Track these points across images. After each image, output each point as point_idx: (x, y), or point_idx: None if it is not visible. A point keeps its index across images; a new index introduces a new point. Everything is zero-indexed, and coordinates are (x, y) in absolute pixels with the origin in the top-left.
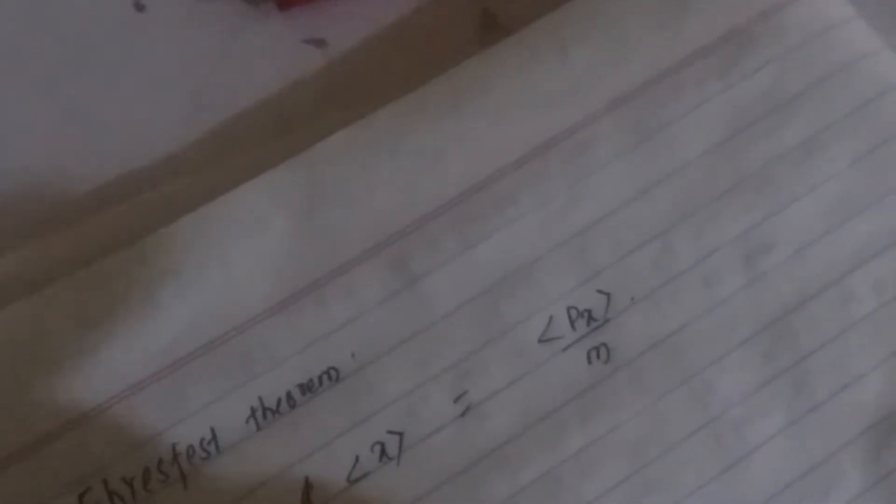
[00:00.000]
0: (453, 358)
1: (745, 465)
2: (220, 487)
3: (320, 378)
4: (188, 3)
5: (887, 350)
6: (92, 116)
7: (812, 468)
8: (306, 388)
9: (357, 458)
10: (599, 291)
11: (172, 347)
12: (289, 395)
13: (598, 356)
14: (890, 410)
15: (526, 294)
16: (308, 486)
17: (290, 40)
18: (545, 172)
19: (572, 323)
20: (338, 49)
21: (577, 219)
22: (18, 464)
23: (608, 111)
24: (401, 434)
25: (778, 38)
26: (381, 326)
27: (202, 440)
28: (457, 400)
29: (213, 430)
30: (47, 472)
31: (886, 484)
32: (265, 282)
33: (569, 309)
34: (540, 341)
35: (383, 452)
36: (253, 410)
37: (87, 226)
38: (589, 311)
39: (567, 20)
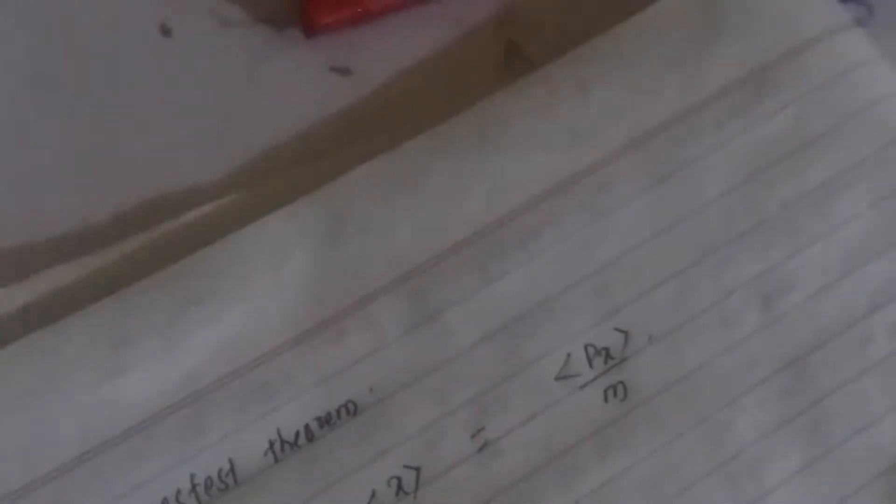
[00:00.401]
0: (471, 393)
1: None
2: None
3: (339, 411)
4: (214, 28)
5: None
6: (116, 142)
7: None
8: (324, 421)
9: (374, 493)
10: (617, 329)
11: (192, 377)
12: (307, 428)
13: (615, 394)
14: None
15: (544, 331)
16: None
17: (316, 68)
18: (565, 210)
19: (590, 361)
20: (363, 77)
21: (597, 256)
22: (36, 492)
23: (629, 150)
24: (418, 469)
25: (799, 79)
26: (401, 361)
27: (220, 471)
28: (474, 436)
29: (231, 462)
30: (65, 502)
31: None
32: (286, 313)
33: (586, 346)
34: (557, 378)
35: (400, 487)
36: (271, 443)
37: (110, 254)
38: (607, 349)
39: (590, 58)
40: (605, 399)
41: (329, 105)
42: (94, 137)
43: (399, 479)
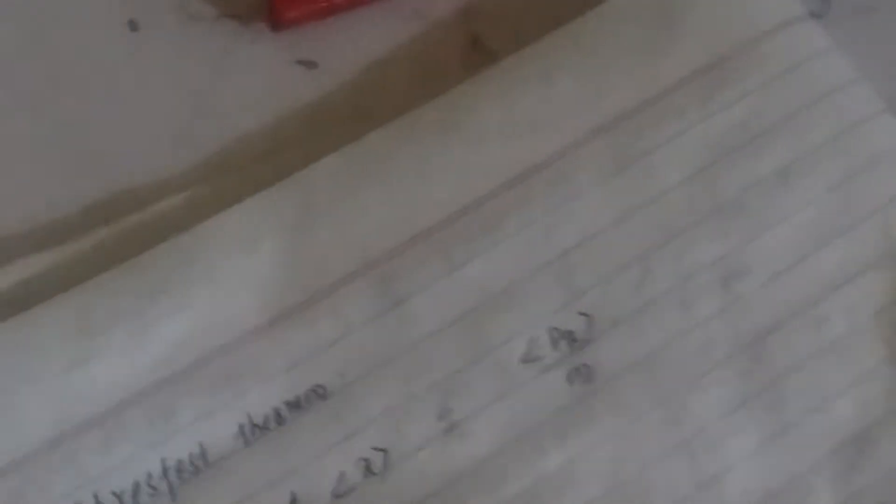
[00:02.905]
0: (438, 377)
1: (718, 485)
2: (209, 501)
3: (307, 395)
4: (181, 22)
5: (857, 373)
6: (83, 135)
7: (783, 488)
8: (294, 404)
9: (342, 474)
10: (581, 313)
11: (162, 365)
12: (276, 412)
13: (578, 377)
14: (859, 432)
15: (509, 315)
16: (294, 500)
17: (282, 61)
18: (529, 197)
19: (554, 344)
20: (329, 71)
21: (560, 242)
22: (8, 477)
23: (591, 138)
24: (385, 451)
25: (757, 69)
26: (368, 345)
27: (191, 455)
28: (441, 418)
29: (201, 446)
30: (37, 486)
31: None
32: (254, 301)
33: (551, 330)
34: (522, 361)
35: (368, 469)
36: (241, 426)
37: (78, 245)
38: (570, 333)
39: (552, 49)
40: (569, 381)
41: (295, 98)
42: (62, 131)
43: (367, 460)
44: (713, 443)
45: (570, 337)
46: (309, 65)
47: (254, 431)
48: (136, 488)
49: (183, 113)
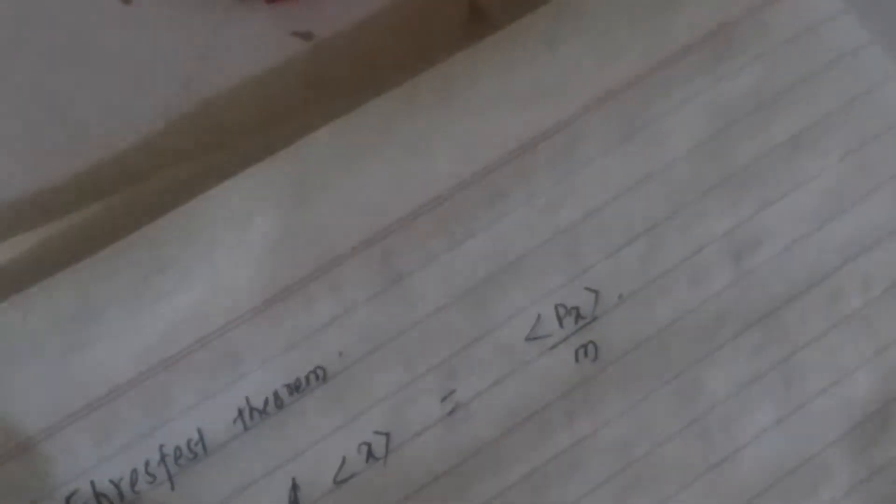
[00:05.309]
0: (440, 356)
1: (732, 463)
2: (208, 488)
3: (307, 377)
4: None
5: (875, 346)
6: (77, 109)
7: (800, 465)
8: (293, 387)
9: (344, 459)
10: (587, 289)
11: (158, 347)
12: (276, 395)
13: (585, 354)
14: (878, 407)
15: (514, 291)
16: (295, 486)
17: (278, 33)
18: (533, 168)
19: (560, 321)
20: (325, 41)
21: (565, 215)
22: (5, 465)
23: (597, 107)
24: (387, 434)
25: (766, 34)
26: (368, 324)
27: (189, 441)
28: (444, 399)
29: (199, 431)
30: (34, 474)
31: (874, 481)
32: (251, 279)
33: (557, 307)
34: (527, 339)
35: (370, 453)
36: (240, 411)
37: (71, 221)
38: (577, 309)
39: (556, 16)
40: (576, 359)
41: (292, 69)
42: (55, 105)
43: (369, 444)
44: (726, 420)
45: (576, 313)
46: (305, 36)
47: (253, 415)
48: (134, 476)
49: (177, 86)
